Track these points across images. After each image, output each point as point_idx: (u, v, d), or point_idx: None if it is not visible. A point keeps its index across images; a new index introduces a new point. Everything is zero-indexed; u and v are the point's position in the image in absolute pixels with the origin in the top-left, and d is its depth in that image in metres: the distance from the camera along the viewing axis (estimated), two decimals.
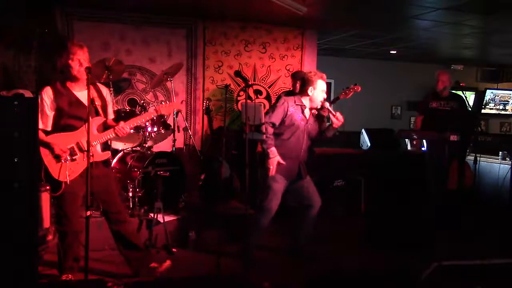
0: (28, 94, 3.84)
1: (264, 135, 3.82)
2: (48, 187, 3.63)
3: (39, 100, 3.21)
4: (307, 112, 3.91)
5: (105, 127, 3.44)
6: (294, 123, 3.84)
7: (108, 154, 3.48)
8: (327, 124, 4.08)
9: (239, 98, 6.48)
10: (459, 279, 3.55)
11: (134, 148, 4.89)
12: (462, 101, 5.44)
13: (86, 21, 5.74)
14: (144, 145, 4.81)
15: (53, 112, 3.26)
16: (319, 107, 3.89)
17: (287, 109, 3.83)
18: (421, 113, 5.69)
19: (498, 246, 4.37)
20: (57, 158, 3.22)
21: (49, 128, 3.26)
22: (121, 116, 4.26)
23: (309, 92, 3.83)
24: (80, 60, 3.22)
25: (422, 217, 4.72)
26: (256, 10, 5.75)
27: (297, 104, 3.87)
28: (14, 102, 2.59)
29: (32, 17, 5.12)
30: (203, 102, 6.07)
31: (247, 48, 6.47)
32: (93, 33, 5.73)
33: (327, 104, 3.85)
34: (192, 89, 6.28)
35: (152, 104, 6.03)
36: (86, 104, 3.15)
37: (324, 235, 4.69)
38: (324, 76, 3.87)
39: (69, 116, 3.27)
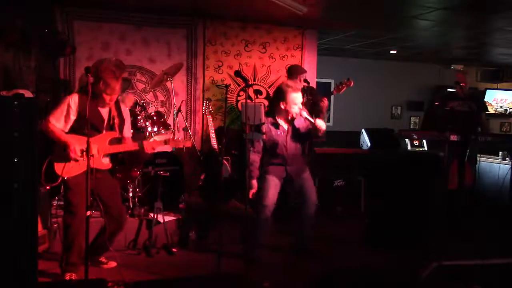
0: (28, 94, 3.84)
1: (252, 151, 3.94)
2: (47, 187, 3.70)
3: (65, 103, 3.43)
4: (283, 125, 4.09)
5: (118, 142, 3.63)
6: (274, 138, 4.05)
7: (108, 165, 3.60)
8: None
9: (239, 98, 6.48)
10: (459, 279, 3.54)
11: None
12: (480, 101, 5.38)
13: (86, 21, 5.73)
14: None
15: (75, 118, 3.44)
16: (296, 116, 4.04)
17: (267, 129, 4.06)
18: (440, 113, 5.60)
19: (498, 246, 4.36)
20: (68, 155, 3.37)
21: (66, 130, 3.45)
22: None
23: (281, 106, 4.01)
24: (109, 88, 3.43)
25: (422, 217, 4.71)
26: (256, 10, 5.74)
27: (272, 123, 4.08)
28: (14, 102, 2.60)
29: (32, 17, 5.11)
30: (203, 102, 6.07)
31: (247, 48, 6.47)
32: (93, 33, 5.72)
33: (304, 114, 4.00)
34: (192, 89, 6.28)
35: (152, 104, 6.03)
36: (105, 119, 3.51)
37: (324, 235, 4.69)
38: (298, 85, 4.05)
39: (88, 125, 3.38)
